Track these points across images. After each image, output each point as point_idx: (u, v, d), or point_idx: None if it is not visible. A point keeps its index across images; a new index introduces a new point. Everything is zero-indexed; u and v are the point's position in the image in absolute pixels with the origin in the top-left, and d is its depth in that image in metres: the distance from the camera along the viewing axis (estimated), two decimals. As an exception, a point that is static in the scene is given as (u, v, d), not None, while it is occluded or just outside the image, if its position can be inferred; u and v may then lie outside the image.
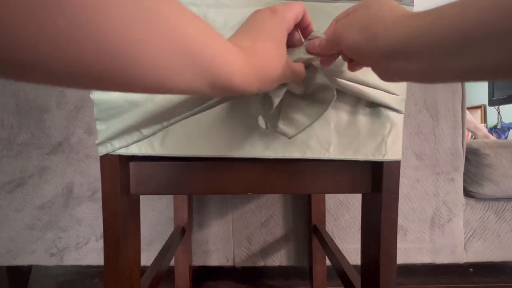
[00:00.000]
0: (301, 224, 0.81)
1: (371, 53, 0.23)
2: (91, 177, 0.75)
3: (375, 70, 0.25)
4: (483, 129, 1.36)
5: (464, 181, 0.81)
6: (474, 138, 1.47)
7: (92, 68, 0.12)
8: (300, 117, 0.33)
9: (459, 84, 0.78)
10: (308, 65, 0.31)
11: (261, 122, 0.32)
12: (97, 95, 0.33)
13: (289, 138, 0.33)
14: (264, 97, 0.31)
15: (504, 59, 0.16)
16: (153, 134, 0.35)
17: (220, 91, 0.20)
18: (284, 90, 0.31)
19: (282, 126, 0.33)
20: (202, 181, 0.38)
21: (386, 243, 0.38)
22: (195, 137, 0.36)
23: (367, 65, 0.26)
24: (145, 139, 0.35)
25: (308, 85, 0.32)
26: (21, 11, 0.09)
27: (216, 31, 0.19)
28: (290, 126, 0.33)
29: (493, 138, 1.33)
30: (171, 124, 0.35)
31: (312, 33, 0.29)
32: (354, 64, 0.30)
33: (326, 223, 0.79)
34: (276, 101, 0.30)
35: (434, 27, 0.19)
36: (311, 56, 0.29)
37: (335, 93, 0.30)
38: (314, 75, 0.31)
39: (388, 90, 0.35)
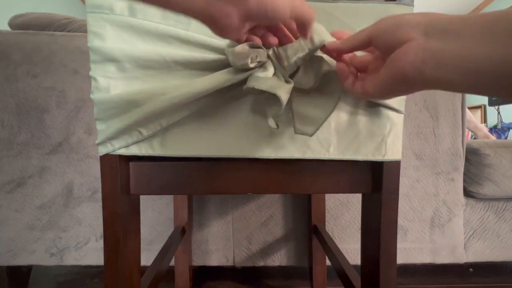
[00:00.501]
0: (301, 224, 0.81)
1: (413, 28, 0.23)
2: (91, 177, 0.75)
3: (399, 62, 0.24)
4: (483, 129, 1.36)
5: (464, 181, 0.81)
6: (475, 138, 1.47)
7: None
8: (315, 112, 0.33)
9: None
10: (313, 56, 0.30)
11: (271, 122, 0.32)
12: (97, 95, 0.33)
13: (310, 136, 0.33)
14: (270, 98, 0.31)
15: None
16: (153, 134, 0.35)
17: None
18: (290, 86, 0.30)
19: (299, 126, 0.33)
20: (202, 181, 0.38)
21: (386, 243, 0.38)
22: (195, 137, 0.36)
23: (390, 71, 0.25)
24: (145, 139, 0.35)
25: (317, 76, 0.31)
26: None
27: None
28: (307, 124, 0.33)
29: (493, 138, 1.33)
30: (171, 125, 0.35)
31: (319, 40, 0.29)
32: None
33: (326, 223, 0.79)
34: (285, 99, 0.29)
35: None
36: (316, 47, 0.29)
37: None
38: (320, 64, 0.30)
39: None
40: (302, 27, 0.28)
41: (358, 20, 0.34)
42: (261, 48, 0.30)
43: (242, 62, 0.29)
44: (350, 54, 0.30)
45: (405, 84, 0.24)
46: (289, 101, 0.32)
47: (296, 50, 0.29)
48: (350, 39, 0.28)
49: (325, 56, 0.31)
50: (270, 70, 0.31)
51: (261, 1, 0.24)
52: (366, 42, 0.26)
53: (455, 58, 0.20)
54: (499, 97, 0.19)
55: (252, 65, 0.30)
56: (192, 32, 0.33)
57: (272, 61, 0.31)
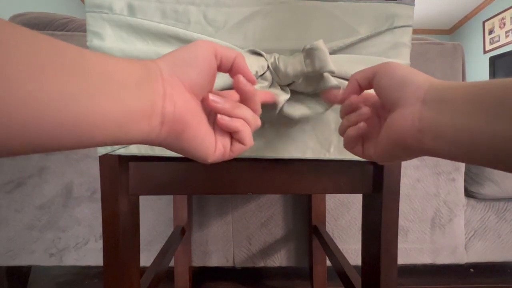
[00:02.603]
0: (301, 225, 0.80)
1: (411, 94, 0.23)
2: (91, 177, 0.75)
3: (396, 122, 0.23)
4: None
5: (465, 181, 0.81)
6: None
7: None
8: (304, 108, 0.33)
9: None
10: (316, 74, 0.31)
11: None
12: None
13: (295, 119, 0.33)
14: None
15: None
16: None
17: None
18: (286, 97, 0.31)
19: (287, 109, 0.33)
20: (202, 181, 0.38)
21: (386, 244, 0.38)
22: (195, 137, 0.36)
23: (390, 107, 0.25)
24: (144, 139, 0.35)
25: (315, 89, 0.32)
26: None
27: None
28: (294, 110, 0.33)
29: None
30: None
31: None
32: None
33: (327, 223, 0.79)
34: (280, 105, 0.30)
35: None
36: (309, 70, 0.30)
37: (341, 89, 0.30)
38: (320, 80, 0.31)
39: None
40: (236, 65, 0.23)
41: (358, 20, 0.34)
42: (263, 56, 0.31)
43: None
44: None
45: (406, 151, 0.23)
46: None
47: (295, 68, 0.30)
48: (357, 73, 0.28)
49: (325, 74, 0.31)
50: (269, 79, 0.31)
51: (176, 55, 0.21)
52: (371, 77, 0.26)
53: (449, 131, 0.20)
54: (503, 170, 0.19)
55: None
56: (191, 31, 0.33)
57: (270, 71, 0.31)
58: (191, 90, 0.21)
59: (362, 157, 0.29)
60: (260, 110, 0.26)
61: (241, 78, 0.23)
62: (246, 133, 0.24)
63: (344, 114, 0.30)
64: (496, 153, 0.17)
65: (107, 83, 0.17)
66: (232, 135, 0.25)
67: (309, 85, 0.32)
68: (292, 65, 0.30)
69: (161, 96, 0.19)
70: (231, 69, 0.24)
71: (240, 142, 0.25)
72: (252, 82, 0.24)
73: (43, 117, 0.14)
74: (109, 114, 0.16)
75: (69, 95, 0.14)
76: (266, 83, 0.31)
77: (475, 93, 0.19)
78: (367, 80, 0.27)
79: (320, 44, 0.29)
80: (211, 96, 0.23)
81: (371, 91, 0.27)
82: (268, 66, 0.31)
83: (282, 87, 0.32)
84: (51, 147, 0.15)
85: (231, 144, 0.25)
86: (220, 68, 0.23)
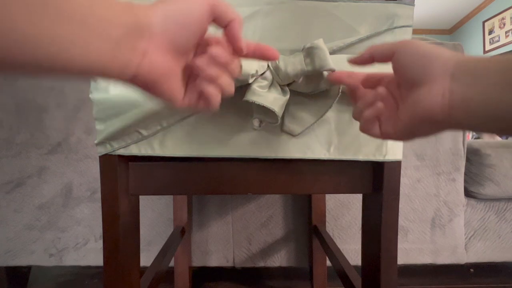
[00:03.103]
0: (301, 225, 0.80)
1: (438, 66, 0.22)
2: (90, 177, 0.75)
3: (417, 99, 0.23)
4: None
5: (465, 181, 0.81)
6: (476, 138, 1.47)
7: None
8: (305, 115, 0.34)
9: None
10: (316, 73, 0.31)
11: (256, 122, 0.33)
12: (97, 95, 0.33)
13: (295, 136, 0.33)
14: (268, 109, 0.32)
15: None
16: (153, 135, 0.35)
17: None
18: (286, 99, 0.31)
19: (288, 124, 0.34)
20: (202, 181, 0.38)
21: (386, 244, 0.38)
22: (195, 137, 0.36)
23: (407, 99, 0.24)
24: (144, 140, 0.35)
25: (315, 89, 0.32)
26: None
27: None
28: (296, 124, 0.34)
29: (498, 138, 1.33)
30: (171, 125, 0.35)
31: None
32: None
33: (327, 223, 0.79)
34: (280, 113, 0.30)
35: None
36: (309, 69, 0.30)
37: (340, 90, 0.30)
38: (320, 80, 0.31)
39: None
40: (228, 30, 0.23)
41: (358, 20, 0.34)
42: None
43: (243, 79, 0.30)
44: (350, 72, 0.30)
45: (433, 125, 0.23)
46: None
47: (295, 68, 0.30)
48: (375, 47, 0.27)
49: (325, 73, 0.31)
50: (269, 79, 0.31)
51: (170, 10, 0.21)
52: (389, 55, 0.25)
53: (481, 104, 0.20)
54: None
55: (251, 81, 0.30)
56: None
57: (270, 71, 0.31)
58: (174, 50, 0.21)
59: (380, 138, 0.28)
60: (236, 72, 0.25)
61: (214, 50, 0.23)
62: (215, 100, 0.24)
63: (359, 97, 0.29)
64: None
65: (85, 33, 0.17)
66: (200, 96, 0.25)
67: (309, 85, 0.32)
68: (292, 65, 0.30)
69: (140, 55, 0.19)
70: (225, 29, 0.23)
71: (206, 104, 0.25)
72: (239, 52, 0.24)
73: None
74: (78, 62, 0.17)
75: (40, 35, 0.15)
76: (266, 83, 0.31)
77: (507, 67, 0.19)
78: (384, 57, 0.26)
79: (320, 43, 0.29)
80: (198, 62, 0.23)
81: (384, 68, 0.27)
82: (268, 66, 0.31)
83: (282, 87, 0.32)
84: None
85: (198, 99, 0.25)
86: (214, 22, 0.23)
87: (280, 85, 0.32)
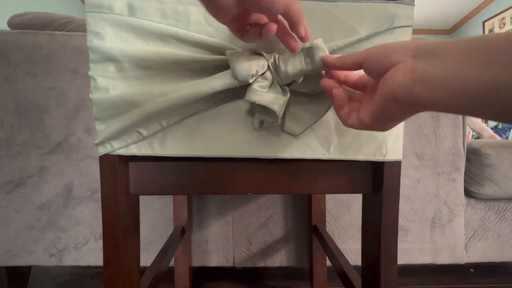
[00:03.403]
0: (301, 225, 0.80)
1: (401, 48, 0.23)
2: (91, 177, 0.75)
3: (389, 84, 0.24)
4: (489, 130, 1.36)
5: (465, 181, 0.81)
6: (476, 138, 1.47)
7: None
8: (305, 115, 0.34)
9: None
10: (316, 72, 0.31)
11: (256, 122, 0.34)
12: (97, 95, 0.33)
13: (296, 136, 0.33)
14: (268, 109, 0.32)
15: None
16: (153, 135, 0.35)
17: None
18: (286, 99, 0.32)
19: (289, 124, 0.34)
20: (202, 181, 0.38)
21: (386, 244, 0.38)
22: (195, 137, 0.36)
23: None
24: (144, 140, 0.35)
25: (316, 88, 0.32)
26: None
27: None
28: (296, 124, 0.34)
29: (499, 138, 1.33)
30: (171, 125, 0.35)
31: (313, 43, 0.29)
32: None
33: (327, 223, 0.79)
34: (281, 112, 0.31)
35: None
36: (310, 69, 0.30)
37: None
38: (319, 78, 0.31)
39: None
40: (293, 25, 0.28)
41: (358, 20, 0.34)
42: (263, 56, 0.31)
43: (243, 79, 0.30)
44: (345, 72, 0.31)
45: (396, 105, 0.24)
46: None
47: (295, 67, 0.30)
48: (344, 57, 0.28)
49: (325, 73, 0.31)
50: (269, 79, 0.31)
51: None
52: (358, 62, 0.27)
53: (444, 80, 0.20)
54: (497, 121, 0.19)
55: (251, 81, 0.30)
56: (192, 32, 0.33)
57: (271, 71, 0.31)
58: None
59: (358, 127, 0.28)
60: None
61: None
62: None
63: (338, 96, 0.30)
64: (490, 100, 0.18)
65: None
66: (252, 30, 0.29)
67: (309, 85, 0.32)
68: (292, 64, 0.30)
69: None
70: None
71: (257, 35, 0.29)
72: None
73: None
74: None
75: None
76: (266, 82, 0.31)
77: (467, 45, 0.19)
78: (355, 66, 0.28)
79: (319, 42, 0.29)
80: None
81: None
82: (268, 66, 0.31)
83: (282, 87, 0.32)
84: None
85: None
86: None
87: (280, 85, 0.32)
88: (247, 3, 0.25)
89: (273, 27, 0.28)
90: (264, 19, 0.29)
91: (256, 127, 0.34)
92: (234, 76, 0.30)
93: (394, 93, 0.23)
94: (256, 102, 0.30)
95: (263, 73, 0.31)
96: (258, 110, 0.33)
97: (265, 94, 0.31)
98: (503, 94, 0.17)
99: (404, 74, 0.22)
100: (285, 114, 0.34)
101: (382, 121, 0.26)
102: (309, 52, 0.30)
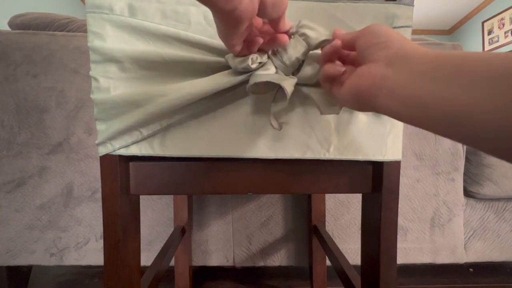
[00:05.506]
0: (301, 224, 0.81)
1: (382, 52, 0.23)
2: (91, 177, 0.75)
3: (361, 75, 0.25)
4: None
5: (464, 181, 0.81)
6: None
7: None
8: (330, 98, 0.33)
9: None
10: (313, 54, 0.30)
11: (274, 121, 0.32)
12: (98, 95, 0.33)
13: (338, 113, 0.32)
14: (275, 94, 0.31)
15: None
16: (154, 134, 0.35)
17: None
18: (294, 81, 0.30)
19: (324, 108, 0.32)
20: (202, 181, 0.38)
21: (386, 243, 0.38)
22: (195, 138, 0.36)
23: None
24: (145, 140, 0.35)
25: (314, 78, 0.32)
26: None
27: None
28: (331, 105, 0.32)
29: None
30: (171, 125, 0.35)
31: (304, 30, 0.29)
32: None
33: (326, 223, 0.79)
34: (290, 90, 0.29)
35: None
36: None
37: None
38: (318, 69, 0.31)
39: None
40: (278, 21, 0.27)
41: (358, 20, 0.34)
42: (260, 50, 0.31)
43: (243, 65, 0.29)
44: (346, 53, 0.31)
45: (359, 102, 0.25)
46: (305, 94, 0.33)
47: (295, 47, 0.29)
48: (346, 34, 0.28)
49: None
50: (271, 69, 0.30)
51: None
52: (354, 39, 0.27)
53: (405, 90, 0.20)
54: (443, 135, 0.19)
55: (253, 66, 0.30)
56: (192, 33, 0.33)
57: (272, 60, 0.31)
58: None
59: (333, 96, 0.29)
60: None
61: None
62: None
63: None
64: (444, 118, 0.18)
65: None
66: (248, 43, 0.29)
67: (312, 72, 0.31)
68: (294, 48, 0.29)
69: None
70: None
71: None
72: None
73: None
74: None
75: None
76: (269, 71, 0.30)
77: (436, 61, 0.19)
78: (350, 45, 0.28)
79: (304, 21, 0.29)
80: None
81: None
82: (268, 56, 0.31)
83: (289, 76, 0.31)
84: None
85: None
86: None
87: (285, 75, 0.31)
88: (267, 9, 0.24)
89: (286, 38, 0.28)
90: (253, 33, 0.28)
91: (276, 127, 0.32)
92: (234, 67, 0.30)
93: (360, 92, 0.24)
94: (259, 81, 0.28)
95: (264, 64, 0.30)
96: (260, 100, 0.32)
97: (269, 75, 0.29)
98: (460, 118, 0.17)
99: (374, 78, 0.23)
100: (315, 103, 0.33)
101: (347, 105, 0.27)
102: (302, 34, 0.29)
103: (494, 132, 0.15)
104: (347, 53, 0.30)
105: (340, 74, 0.29)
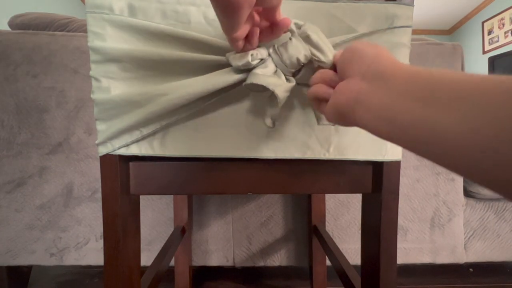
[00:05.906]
0: (301, 224, 0.81)
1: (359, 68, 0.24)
2: (91, 177, 0.75)
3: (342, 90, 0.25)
4: None
5: (464, 181, 0.81)
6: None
7: None
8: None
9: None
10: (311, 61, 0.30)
11: (268, 121, 0.32)
12: (98, 95, 0.33)
13: (334, 125, 0.33)
14: (271, 97, 0.31)
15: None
16: (154, 133, 0.35)
17: None
18: (291, 85, 0.30)
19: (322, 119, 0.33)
20: (202, 181, 0.38)
21: (386, 243, 0.38)
22: (195, 138, 0.36)
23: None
24: (145, 139, 0.35)
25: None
26: None
27: None
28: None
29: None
30: (171, 125, 0.35)
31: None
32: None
33: (326, 223, 0.79)
34: (283, 98, 0.29)
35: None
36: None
37: None
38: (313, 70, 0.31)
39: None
40: (274, 10, 0.27)
41: (358, 20, 0.34)
42: (260, 46, 0.30)
43: (244, 62, 0.29)
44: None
45: (340, 116, 0.25)
46: (305, 94, 0.32)
47: (296, 47, 0.29)
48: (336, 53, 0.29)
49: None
50: (271, 67, 0.30)
51: None
52: (337, 59, 0.28)
53: (379, 106, 0.21)
54: (416, 153, 0.19)
55: (254, 63, 0.30)
56: (192, 32, 0.33)
57: (272, 58, 0.31)
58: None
59: (323, 114, 0.30)
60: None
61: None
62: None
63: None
64: (415, 137, 0.18)
65: None
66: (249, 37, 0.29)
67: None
68: (295, 49, 0.29)
69: None
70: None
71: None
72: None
73: None
74: None
75: None
76: (268, 69, 0.30)
77: (411, 79, 0.20)
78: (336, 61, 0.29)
79: (307, 24, 0.29)
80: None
81: None
82: (269, 54, 0.31)
83: (287, 78, 0.31)
84: None
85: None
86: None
87: (285, 75, 0.31)
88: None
89: (288, 20, 0.29)
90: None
91: (269, 125, 0.32)
92: (234, 65, 0.30)
93: (340, 106, 0.24)
94: (254, 83, 0.29)
95: (263, 61, 0.30)
96: (259, 100, 0.32)
97: (265, 77, 0.30)
98: (434, 138, 0.17)
99: (351, 92, 0.23)
100: (314, 111, 0.34)
101: (336, 121, 0.27)
102: (304, 37, 0.29)
103: (466, 154, 0.15)
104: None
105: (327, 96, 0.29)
